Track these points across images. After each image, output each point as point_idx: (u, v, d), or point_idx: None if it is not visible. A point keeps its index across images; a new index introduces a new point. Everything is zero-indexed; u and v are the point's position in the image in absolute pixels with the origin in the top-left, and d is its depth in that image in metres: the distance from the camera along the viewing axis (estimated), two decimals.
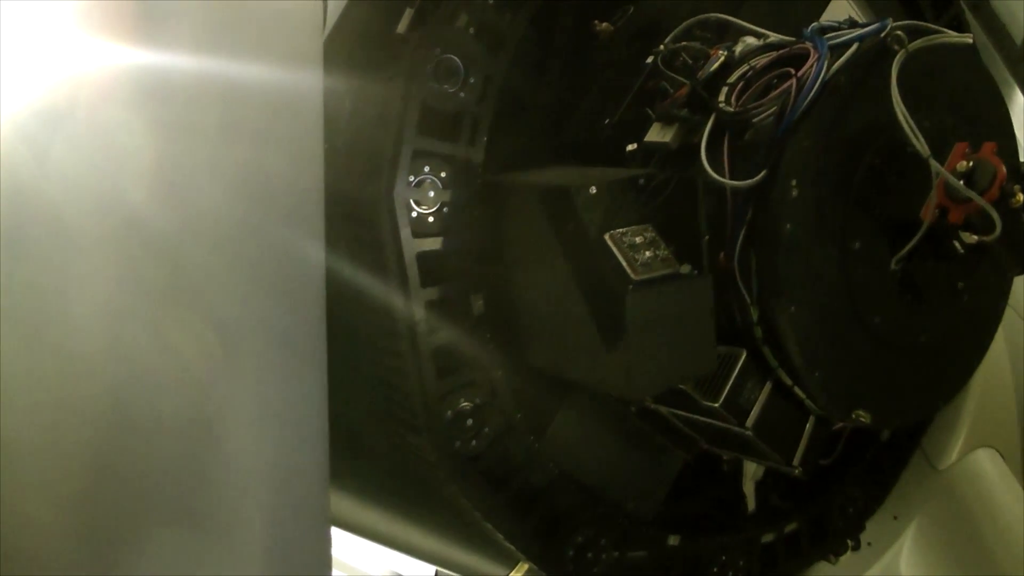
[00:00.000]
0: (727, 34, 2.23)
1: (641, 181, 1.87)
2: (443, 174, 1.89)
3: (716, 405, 1.91)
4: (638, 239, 1.81)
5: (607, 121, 2.19)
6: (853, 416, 1.94)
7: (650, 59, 2.19)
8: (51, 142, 1.35)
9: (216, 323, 1.45)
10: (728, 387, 1.90)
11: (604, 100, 2.25)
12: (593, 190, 1.79)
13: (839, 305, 1.87)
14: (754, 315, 1.89)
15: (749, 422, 1.94)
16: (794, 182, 1.77)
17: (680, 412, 2.10)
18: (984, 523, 2.93)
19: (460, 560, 2.71)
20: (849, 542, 2.82)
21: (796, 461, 2.05)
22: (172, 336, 1.40)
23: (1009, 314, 2.91)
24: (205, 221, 1.45)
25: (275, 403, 1.55)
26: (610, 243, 1.78)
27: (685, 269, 1.84)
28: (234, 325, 1.48)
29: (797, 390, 1.96)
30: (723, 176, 1.85)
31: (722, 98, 1.96)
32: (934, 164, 1.71)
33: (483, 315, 1.98)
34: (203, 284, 1.45)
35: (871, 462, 2.77)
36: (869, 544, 2.95)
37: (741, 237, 1.85)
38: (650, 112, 2.10)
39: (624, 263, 1.76)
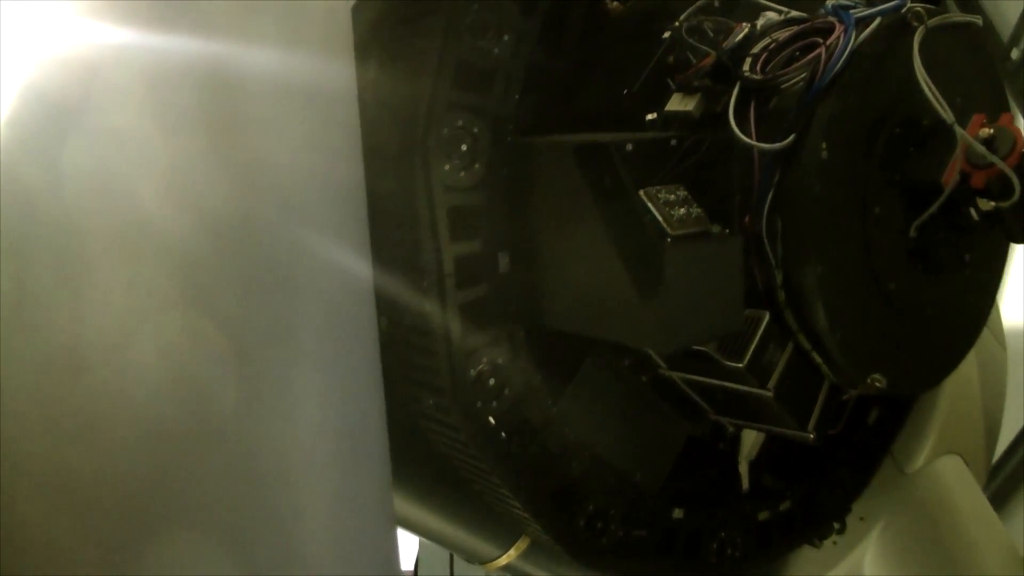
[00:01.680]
0: (734, 13, 2.29)
1: (673, 142, 1.90)
2: (475, 129, 1.88)
3: (741, 365, 1.93)
4: (671, 196, 1.83)
5: (625, 92, 2.21)
6: (869, 380, 1.99)
7: (667, 34, 2.23)
8: (59, 139, 1.30)
9: (265, 323, 1.40)
10: (753, 348, 1.93)
11: (618, 74, 2.27)
12: (629, 147, 1.82)
13: (860, 269, 1.93)
14: (778, 278, 1.93)
15: (771, 383, 1.97)
16: (824, 144, 1.82)
17: (695, 378, 2.12)
18: (946, 527, 3.00)
19: (453, 537, 2.67)
20: (835, 524, 2.87)
21: (810, 427, 2.09)
22: (212, 339, 1.35)
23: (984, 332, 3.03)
24: (237, 222, 1.39)
25: (331, 401, 1.50)
26: (645, 199, 1.80)
27: (715, 229, 1.86)
28: (281, 325, 1.43)
29: (815, 355, 2.00)
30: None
31: (746, 68, 2.01)
32: (959, 130, 1.78)
33: (508, 273, 1.97)
34: (250, 288, 1.40)
35: (858, 444, 2.83)
36: (835, 543, 3.01)
37: (769, 200, 1.89)
38: (670, 82, 2.13)
39: (660, 218, 1.78)
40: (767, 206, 1.89)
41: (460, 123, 1.86)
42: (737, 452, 2.65)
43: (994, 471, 4.30)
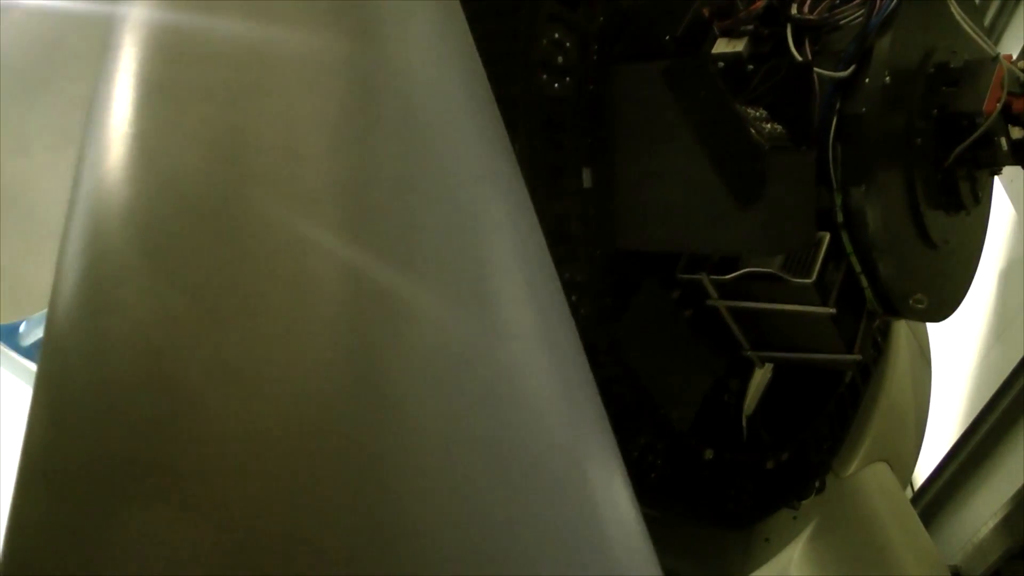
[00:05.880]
0: None
1: (750, 67, 2.00)
2: (568, 44, 1.91)
3: (810, 281, 2.02)
4: (756, 114, 1.93)
5: (667, 37, 2.30)
6: (911, 301, 2.13)
7: None
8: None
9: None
10: (819, 264, 2.03)
11: (655, 21, 2.36)
12: (721, 64, 1.90)
13: (906, 195, 2.09)
14: (837, 200, 2.05)
15: (831, 301, 2.07)
16: (887, 72, 1.98)
17: (747, 305, 2.20)
18: (870, 529, 3.19)
19: None
20: (816, 484, 3.00)
21: (855, 351, 2.20)
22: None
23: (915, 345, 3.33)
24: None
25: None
26: None
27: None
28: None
29: (862, 278, 2.13)
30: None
31: (794, 11, 2.16)
32: (1003, 60, 1.99)
33: (591, 190, 1.99)
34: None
35: (837, 401, 2.99)
36: (767, 540, 3.14)
37: (833, 125, 2.02)
38: (714, 28, 2.25)
39: (753, 131, 1.87)
40: (832, 131, 2.02)
41: (557, 36, 1.89)
42: (741, 404, 2.75)
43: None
